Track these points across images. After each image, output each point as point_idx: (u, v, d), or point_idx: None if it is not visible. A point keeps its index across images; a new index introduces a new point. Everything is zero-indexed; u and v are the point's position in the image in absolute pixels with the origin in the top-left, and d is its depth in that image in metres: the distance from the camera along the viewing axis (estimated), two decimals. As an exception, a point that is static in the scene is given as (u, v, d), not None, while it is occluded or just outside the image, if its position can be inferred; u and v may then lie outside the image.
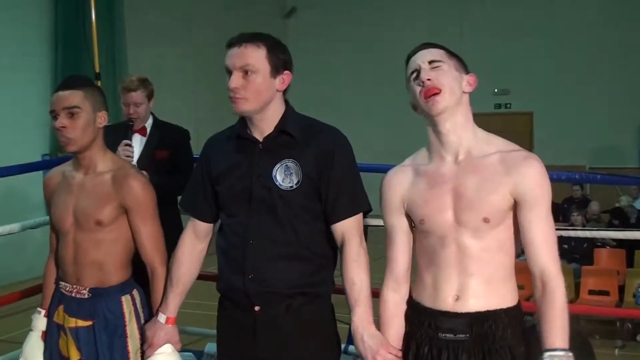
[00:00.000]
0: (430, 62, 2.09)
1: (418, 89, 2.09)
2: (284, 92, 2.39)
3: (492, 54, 13.04)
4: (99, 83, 4.55)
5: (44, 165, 3.97)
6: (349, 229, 2.33)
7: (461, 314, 2.07)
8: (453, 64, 2.11)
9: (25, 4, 9.33)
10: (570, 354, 1.96)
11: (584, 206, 9.82)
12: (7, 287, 7.42)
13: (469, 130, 2.12)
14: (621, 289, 7.19)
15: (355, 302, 2.27)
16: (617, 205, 9.88)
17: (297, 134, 2.34)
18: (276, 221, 2.32)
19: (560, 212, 10.46)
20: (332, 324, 2.47)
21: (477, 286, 2.06)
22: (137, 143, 3.93)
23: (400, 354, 2.19)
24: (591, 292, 7.17)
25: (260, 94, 2.29)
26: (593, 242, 8.11)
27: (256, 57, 2.27)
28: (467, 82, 2.12)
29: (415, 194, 2.15)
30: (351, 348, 3.99)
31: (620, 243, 7.94)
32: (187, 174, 3.88)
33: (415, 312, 2.18)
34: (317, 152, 2.32)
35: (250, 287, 2.32)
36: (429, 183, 2.13)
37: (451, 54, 2.14)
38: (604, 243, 8.18)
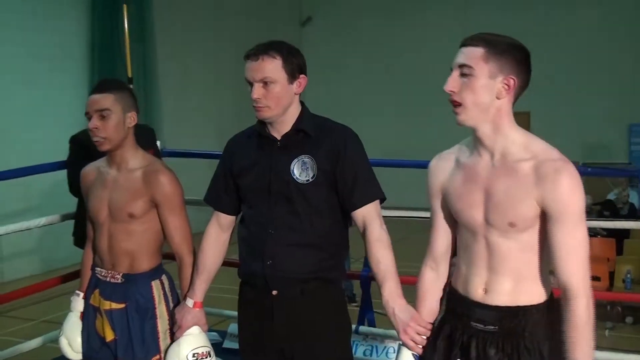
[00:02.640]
0: (461, 67, 1.88)
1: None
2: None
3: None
4: (131, 86, 4.57)
5: (69, 164, 4.01)
6: (368, 214, 2.33)
7: (491, 306, 1.94)
8: (489, 68, 1.85)
9: (66, 14, 9.38)
10: None
11: (577, 199, 9.73)
12: (49, 272, 7.48)
13: (504, 135, 1.91)
14: (611, 275, 7.16)
15: (384, 278, 2.25)
16: (607, 198, 9.82)
17: (313, 132, 2.35)
18: (293, 212, 2.33)
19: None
20: (343, 306, 2.49)
21: (505, 283, 1.93)
22: None
23: (430, 327, 2.12)
24: (583, 278, 7.13)
25: (280, 100, 2.30)
26: (585, 232, 8.05)
27: (273, 68, 2.27)
28: (504, 85, 1.86)
29: (452, 186, 2.03)
30: (361, 328, 3.99)
31: (610, 233, 7.90)
32: None
33: (451, 298, 2.08)
34: (331, 148, 2.33)
35: (269, 272, 2.34)
36: (465, 178, 1.98)
37: (495, 51, 1.85)
38: (595, 233, 8.14)
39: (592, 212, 9.27)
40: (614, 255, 7.55)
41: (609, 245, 7.79)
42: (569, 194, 1.83)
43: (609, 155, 12.79)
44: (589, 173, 7.25)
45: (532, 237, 1.90)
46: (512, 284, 1.93)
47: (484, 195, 1.93)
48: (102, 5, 9.57)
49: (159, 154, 4.04)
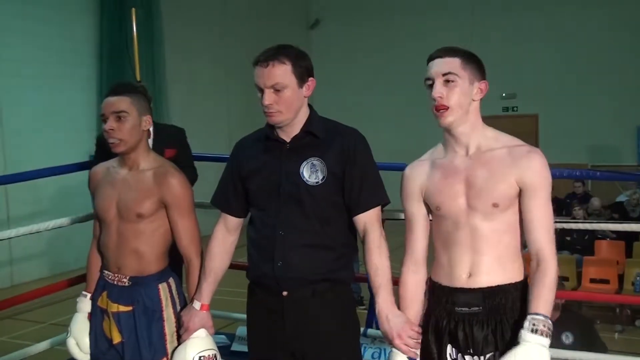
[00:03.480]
0: (445, 75, 2.09)
1: (431, 99, 2.11)
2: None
3: (500, 61, 12.90)
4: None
5: (92, 164, 4.00)
6: (370, 219, 2.36)
7: (475, 289, 2.11)
8: (467, 75, 2.10)
9: (75, 19, 9.44)
10: (550, 321, 1.99)
11: (585, 201, 9.70)
12: (57, 275, 7.51)
13: (478, 131, 2.15)
14: (620, 278, 7.14)
15: (379, 286, 2.29)
16: (617, 200, 9.76)
17: (321, 134, 2.36)
18: (303, 214, 2.34)
19: (563, 207, 10.37)
20: (353, 307, 2.50)
21: (488, 263, 2.10)
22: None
23: (420, 331, 2.22)
24: (592, 281, 7.13)
25: (292, 104, 2.31)
26: (594, 235, 8.05)
27: (283, 73, 2.28)
28: (479, 89, 2.13)
29: (431, 184, 2.20)
30: (369, 331, 3.98)
31: (619, 235, 7.87)
32: (191, 169, 3.85)
33: (434, 291, 2.21)
34: (340, 151, 2.34)
35: (279, 273, 2.34)
36: (444, 174, 2.17)
37: (468, 61, 2.12)
38: (604, 235, 8.10)
39: (602, 215, 9.23)
40: (624, 258, 7.52)
41: (618, 248, 7.76)
42: (542, 170, 2.07)
43: (617, 158, 12.76)
44: (598, 177, 7.20)
45: (511, 217, 2.11)
46: (494, 264, 2.11)
47: (464, 185, 2.13)
48: (111, 10, 9.63)
49: (188, 153, 3.95)
